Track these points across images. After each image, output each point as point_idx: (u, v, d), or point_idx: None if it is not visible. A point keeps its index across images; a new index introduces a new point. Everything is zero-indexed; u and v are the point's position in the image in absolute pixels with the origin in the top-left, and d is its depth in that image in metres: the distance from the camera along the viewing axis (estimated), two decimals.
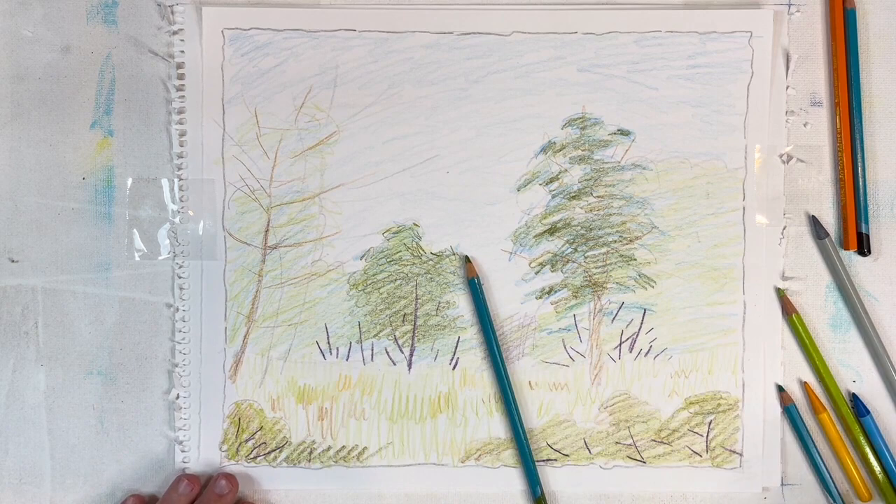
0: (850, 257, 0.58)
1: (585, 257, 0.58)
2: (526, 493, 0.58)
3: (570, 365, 0.58)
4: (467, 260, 0.58)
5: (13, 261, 0.58)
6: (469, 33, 0.58)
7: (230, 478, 0.57)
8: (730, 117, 0.58)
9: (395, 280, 0.58)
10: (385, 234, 0.58)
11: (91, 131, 0.58)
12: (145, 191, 0.58)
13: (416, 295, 0.58)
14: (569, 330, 0.58)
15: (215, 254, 0.58)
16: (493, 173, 0.58)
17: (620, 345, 0.58)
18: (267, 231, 0.58)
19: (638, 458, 0.58)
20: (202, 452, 0.58)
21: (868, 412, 0.58)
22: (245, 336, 0.58)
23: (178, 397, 0.58)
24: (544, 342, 0.58)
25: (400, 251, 0.58)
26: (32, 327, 0.58)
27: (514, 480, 0.58)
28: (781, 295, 0.58)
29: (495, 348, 0.57)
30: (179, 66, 0.58)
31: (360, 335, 0.58)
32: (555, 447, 0.58)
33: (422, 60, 0.58)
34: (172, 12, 0.58)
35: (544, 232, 0.58)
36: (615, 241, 0.58)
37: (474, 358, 0.58)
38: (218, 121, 0.58)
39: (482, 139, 0.58)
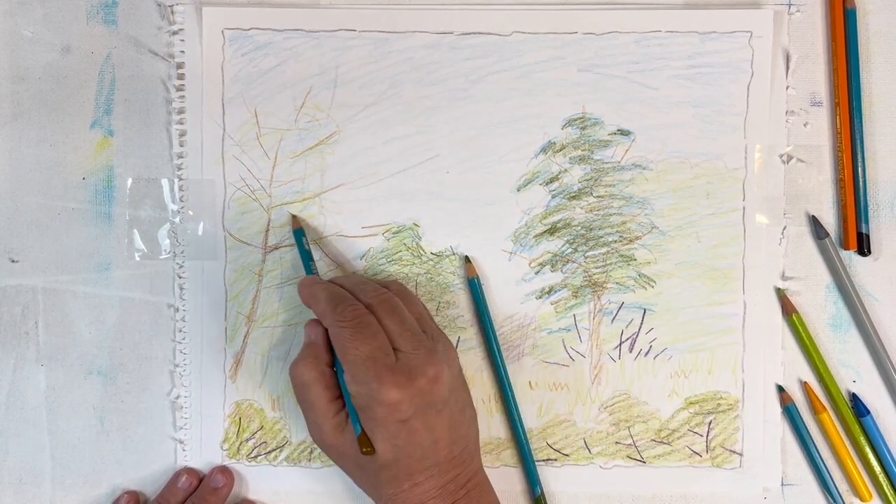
0: (851, 257, 0.58)
1: (585, 257, 0.58)
2: (526, 492, 0.58)
3: (570, 365, 0.58)
4: (467, 260, 0.58)
5: (13, 261, 0.58)
6: (469, 33, 0.58)
7: (226, 471, 0.58)
8: (730, 117, 0.58)
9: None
10: (385, 234, 0.58)
11: (91, 131, 0.58)
12: (145, 191, 0.58)
13: (417, 295, 0.58)
14: (569, 330, 0.58)
15: (215, 254, 0.58)
16: (493, 173, 0.58)
17: (620, 345, 0.58)
18: (267, 231, 0.58)
19: (638, 458, 0.58)
20: (203, 452, 0.58)
21: (868, 412, 0.58)
22: (245, 336, 0.58)
23: (178, 397, 0.58)
24: (544, 342, 0.58)
25: (400, 251, 0.58)
26: (33, 327, 0.58)
27: (514, 480, 0.58)
28: (781, 295, 0.58)
29: (495, 348, 0.57)
30: (179, 66, 0.58)
31: None
32: (555, 447, 0.58)
33: (422, 60, 0.58)
34: (172, 12, 0.58)
35: (544, 232, 0.58)
36: (615, 241, 0.58)
37: (474, 358, 0.58)
38: (218, 121, 0.58)
39: (482, 139, 0.58)
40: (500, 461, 0.58)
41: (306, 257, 0.56)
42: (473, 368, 0.58)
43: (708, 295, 0.58)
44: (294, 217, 0.57)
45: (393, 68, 0.58)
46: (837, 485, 0.58)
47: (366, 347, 0.49)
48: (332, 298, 0.51)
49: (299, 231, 0.57)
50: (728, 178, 0.58)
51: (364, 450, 0.49)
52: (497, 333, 0.58)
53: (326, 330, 0.52)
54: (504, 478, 0.58)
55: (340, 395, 0.52)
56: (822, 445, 0.58)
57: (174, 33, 0.58)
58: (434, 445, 0.50)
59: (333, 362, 0.52)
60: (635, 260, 0.58)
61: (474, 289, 0.57)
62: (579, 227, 0.58)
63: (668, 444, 0.58)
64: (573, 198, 0.58)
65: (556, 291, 0.58)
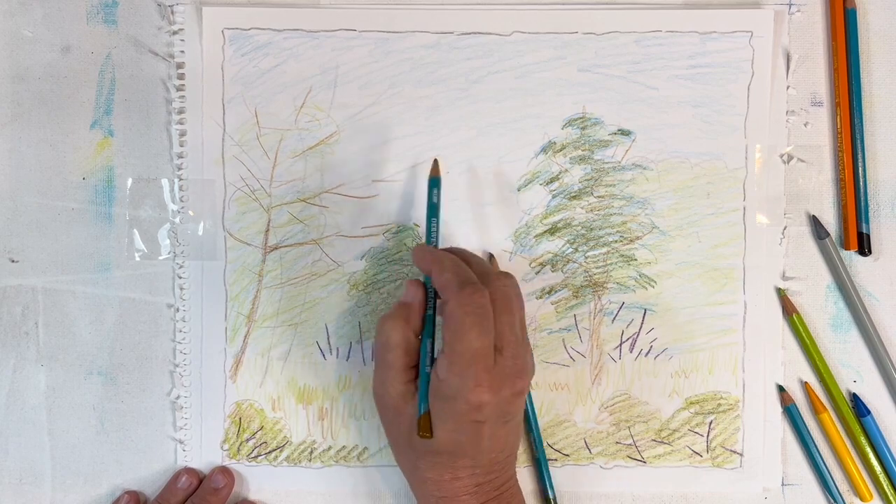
0: (851, 257, 0.58)
1: (586, 257, 0.58)
2: (532, 493, 0.58)
3: (570, 365, 0.58)
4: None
5: (13, 261, 0.58)
6: (469, 33, 0.58)
7: (226, 472, 0.58)
8: (730, 117, 0.58)
9: (396, 280, 0.58)
10: (385, 234, 0.58)
11: (91, 131, 0.58)
12: (145, 191, 0.58)
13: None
14: (569, 330, 0.58)
15: (215, 254, 0.58)
16: (493, 173, 0.58)
17: (621, 345, 0.58)
18: (267, 231, 0.58)
19: (638, 457, 0.58)
20: (203, 452, 0.58)
21: (868, 412, 0.58)
22: (245, 336, 0.58)
23: (178, 397, 0.58)
24: (545, 342, 0.58)
25: (400, 251, 0.58)
26: (33, 327, 0.58)
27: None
28: (782, 295, 0.58)
29: None
30: (179, 66, 0.58)
31: (361, 335, 0.58)
32: (555, 447, 0.58)
33: (422, 60, 0.58)
34: (172, 12, 0.58)
35: (545, 232, 0.58)
36: (616, 241, 0.58)
37: None
38: (218, 121, 0.58)
39: (482, 139, 0.58)
40: None
41: (433, 211, 0.54)
42: None
43: (708, 295, 0.58)
44: (436, 162, 0.55)
45: (393, 68, 0.58)
46: (838, 485, 0.58)
47: (478, 342, 0.47)
48: (460, 276, 0.49)
49: (436, 180, 0.54)
50: (728, 178, 0.58)
51: (422, 433, 0.48)
52: None
53: (425, 296, 0.52)
54: None
55: (417, 363, 0.51)
56: (822, 445, 0.58)
57: (174, 33, 0.58)
58: (489, 449, 0.50)
59: (421, 329, 0.51)
60: (636, 260, 0.58)
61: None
62: (580, 227, 0.58)
63: (669, 444, 0.58)
64: (573, 198, 0.58)
65: (556, 291, 0.58)
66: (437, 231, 0.54)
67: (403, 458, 0.52)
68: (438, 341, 0.51)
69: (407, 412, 0.50)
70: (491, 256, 0.58)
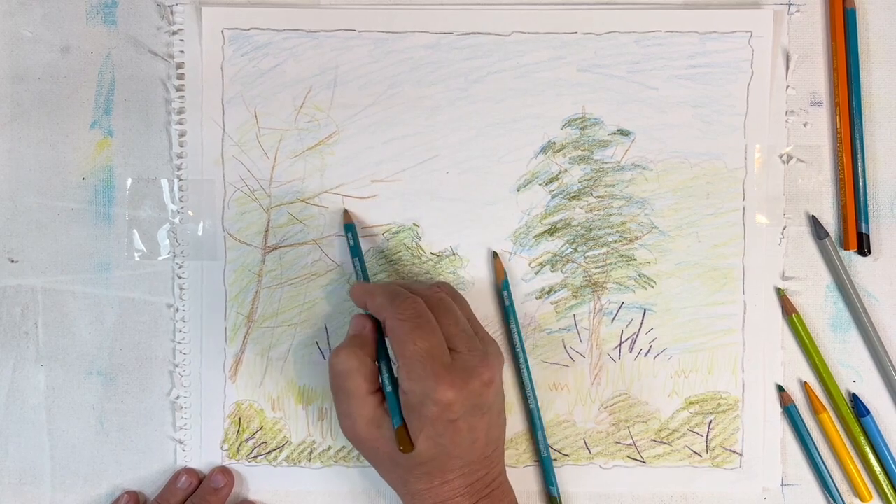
0: (851, 257, 0.58)
1: (585, 257, 0.58)
2: (525, 492, 0.58)
3: (570, 365, 0.58)
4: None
5: (13, 261, 0.58)
6: (469, 33, 0.58)
7: (226, 472, 0.58)
8: (730, 117, 0.58)
9: (396, 280, 0.58)
10: (385, 234, 0.58)
11: (91, 131, 0.58)
12: (145, 191, 0.58)
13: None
14: (569, 330, 0.58)
15: (215, 254, 0.58)
16: (493, 173, 0.58)
17: (620, 345, 0.58)
18: (267, 231, 0.58)
19: (638, 458, 0.58)
20: (203, 452, 0.58)
21: (868, 412, 0.58)
22: (245, 336, 0.58)
23: (178, 397, 0.58)
24: (544, 342, 0.58)
25: (400, 251, 0.58)
26: (32, 327, 0.58)
27: (512, 480, 0.58)
28: (781, 295, 0.58)
29: (520, 350, 0.57)
30: (179, 66, 0.58)
31: None
32: (555, 447, 0.58)
33: (422, 61, 0.58)
34: (172, 12, 0.58)
35: (544, 232, 0.58)
36: (615, 242, 0.58)
37: None
38: (218, 121, 0.58)
39: (482, 139, 0.58)
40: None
41: (354, 252, 0.56)
42: None
43: (708, 295, 0.58)
44: (346, 212, 0.57)
45: (393, 68, 0.58)
46: (837, 485, 0.58)
47: (424, 343, 0.48)
48: (389, 293, 0.51)
49: (349, 225, 0.57)
50: (728, 178, 0.58)
51: (402, 448, 0.49)
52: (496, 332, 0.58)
53: (374, 324, 0.52)
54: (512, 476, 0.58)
55: (379, 389, 0.51)
56: (822, 445, 0.58)
57: (174, 33, 0.58)
58: (472, 446, 0.50)
59: (376, 356, 0.52)
60: (635, 260, 0.58)
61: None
62: (579, 228, 0.58)
63: (668, 444, 0.58)
64: (573, 198, 0.58)
65: (556, 291, 0.58)
66: (361, 269, 0.55)
67: (392, 477, 0.52)
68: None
69: (382, 436, 0.50)
70: (495, 255, 0.58)
